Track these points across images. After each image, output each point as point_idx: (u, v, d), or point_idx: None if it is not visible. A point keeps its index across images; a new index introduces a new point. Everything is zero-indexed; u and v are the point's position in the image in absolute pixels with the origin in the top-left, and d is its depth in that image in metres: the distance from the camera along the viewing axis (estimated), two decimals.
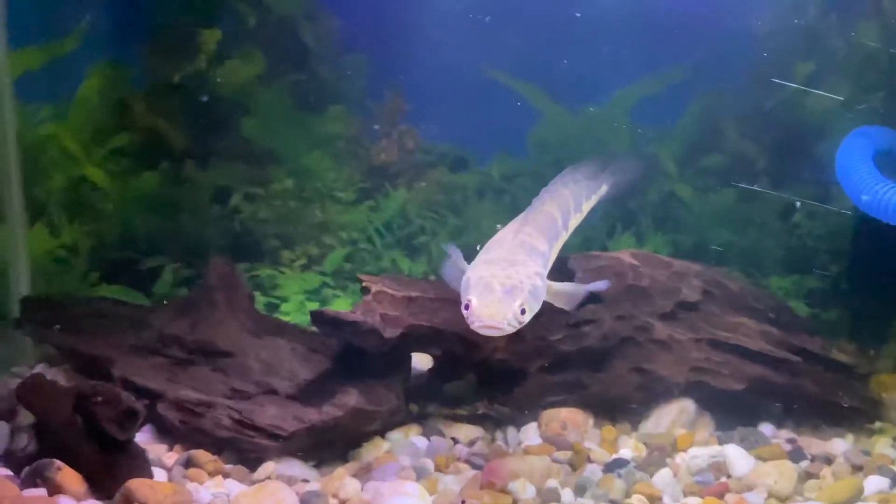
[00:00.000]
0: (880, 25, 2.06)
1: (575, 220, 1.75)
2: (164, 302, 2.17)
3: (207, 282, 1.86)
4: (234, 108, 2.33)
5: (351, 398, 1.69)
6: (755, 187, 2.25)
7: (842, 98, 2.07)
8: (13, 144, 2.03)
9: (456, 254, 1.52)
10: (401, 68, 2.40)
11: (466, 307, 1.30)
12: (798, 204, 2.25)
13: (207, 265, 1.88)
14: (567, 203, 1.72)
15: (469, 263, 1.46)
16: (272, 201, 2.39)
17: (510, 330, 1.32)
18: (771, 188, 2.27)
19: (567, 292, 1.53)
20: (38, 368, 1.83)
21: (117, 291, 2.18)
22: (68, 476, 1.44)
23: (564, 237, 1.70)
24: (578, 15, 2.17)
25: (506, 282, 1.34)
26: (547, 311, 1.82)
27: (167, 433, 1.70)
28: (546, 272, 1.48)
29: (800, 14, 2.21)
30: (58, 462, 1.44)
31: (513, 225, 1.58)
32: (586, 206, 1.80)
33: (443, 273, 1.56)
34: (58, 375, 1.71)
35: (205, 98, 2.26)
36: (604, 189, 1.88)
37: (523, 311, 1.31)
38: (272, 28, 2.32)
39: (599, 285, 1.60)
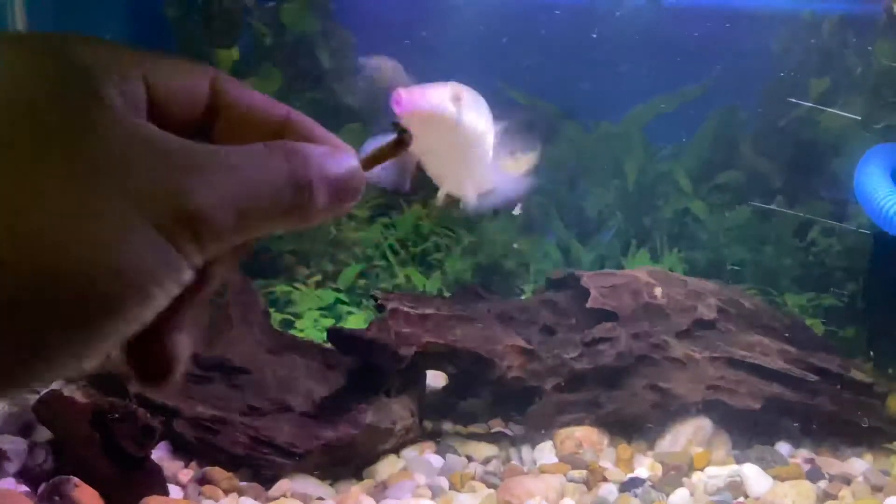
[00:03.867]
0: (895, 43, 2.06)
1: None
2: None
3: (223, 299, 1.87)
4: None
5: (366, 416, 1.70)
6: (772, 206, 2.24)
7: (858, 118, 2.06)
8: None
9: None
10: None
11: (397, 103, 0.98)
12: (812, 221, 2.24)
13: (223, 282, 1.89)
14: None
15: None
16: None
17: (444, 111, 1.01)
18: (787, 205, 2.26)
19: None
20: (56, 385, 1.85)
21: None
22: (85, 493, 1.44)
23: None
24: (594, 36, 2.18)
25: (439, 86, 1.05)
26: (562, 330, 1.83)
27: (183, 450, 1.70)
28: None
29: (815, 32, 2.21)
30: (75, 479, 1.45)
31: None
32: None
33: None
34: (75, 392, 1.72)
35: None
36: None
37: (460, 98, 1.01)
38: (289, 47, 2.34)
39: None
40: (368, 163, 0.39)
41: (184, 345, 0.36)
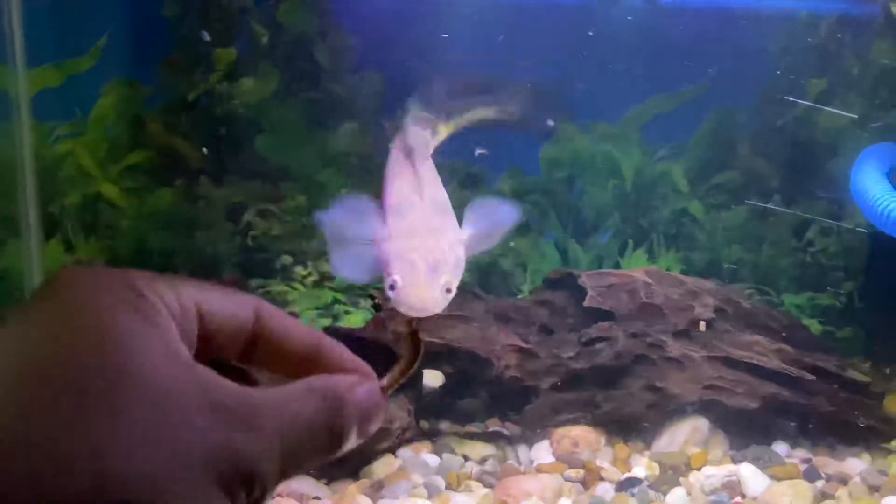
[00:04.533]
0: (893, 42, 2.06)
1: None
2: None
3: None
4: (248, 125, 2.35)
5: None
6: (769, 205, 2.24)
7: (856, 117, 2.06)
8: (30, 161, 2.05)
9: (359, 207, 1.31)
10: (415, 86, 2.41)
11: (392, 287, 1.17)
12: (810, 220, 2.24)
13: (220, 282, 1.89)
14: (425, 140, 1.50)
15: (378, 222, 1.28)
16: (285, 218, 2.40)
17: (440, 309, 1.21)
18: (784, 205, 2.26)
19: (483, 235, 1.35)
20: None
21: None
22: None
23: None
24: (591, 35, 2.18)
25: (428, 257, 1.21)
26: (560, 329, 1.82)
27: None
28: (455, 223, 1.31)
29: (813, 32, 2.21)
30: None
31: (407, 178, 1.39)
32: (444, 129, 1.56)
33: (328, 228, 1.32)
34: None
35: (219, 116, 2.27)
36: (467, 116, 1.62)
37: (449, 291, 1.20)
38: (286, 47, 2.34)
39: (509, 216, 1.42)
40: (390, 385, 0.44)
41: None
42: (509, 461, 1.78)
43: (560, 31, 2.35)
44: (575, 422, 1.81)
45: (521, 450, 1.81)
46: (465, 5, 2.34)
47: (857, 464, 1.78)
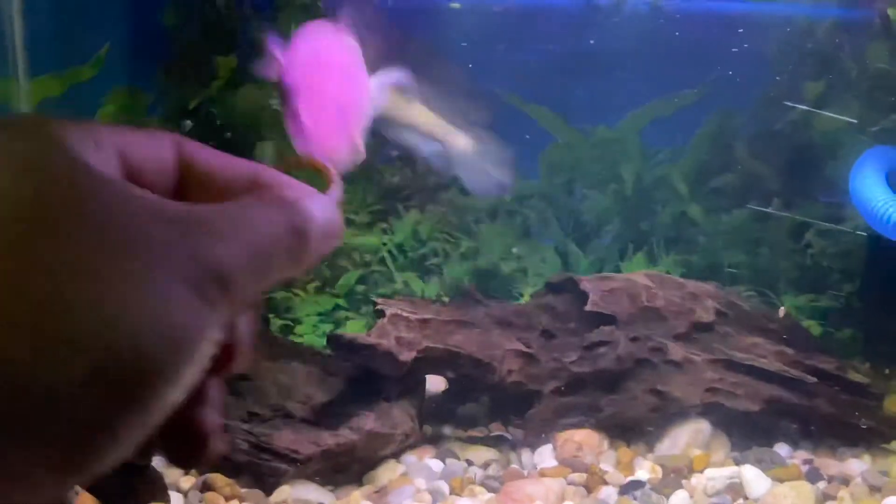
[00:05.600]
0: (890, 46, 2.07)
1: None
2: None
3: None
4: (248, 133, 2.36)
5: (366, 421, 1.70)
6: (768, 209, 2.25)
7: (854, 121, 2.08)
8: None
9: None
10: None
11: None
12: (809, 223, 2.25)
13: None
14: None
15: None
16: None
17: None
18: (783, 208, 2.27)
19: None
20: None
21: None
22: (87, 501, 1.45)
23: None
24: (591, 42, 2.19)
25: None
26: (561, 333, 1.83)
27: None
28: None
29: (810, 35, 2.22)
30: (76, 486, 1.45)
31: None
32: None
33: None
34: None
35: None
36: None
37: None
38: None
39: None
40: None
41: (214, 421, 0.37)
42: (513, 465, 1.79)
43: (559, 36, 2.36)
44: (578, 426, 1.82)
45: (525, 454, 1.82)
46: (464, 11, 2.35)
47: (858, 465, 1.79)
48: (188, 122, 2.27)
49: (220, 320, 0.33)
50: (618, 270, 2.26)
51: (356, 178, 2.48)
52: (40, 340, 0.29)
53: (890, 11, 1.99)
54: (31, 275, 0.29)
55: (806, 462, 1.80)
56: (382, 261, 2.45)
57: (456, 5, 2.38)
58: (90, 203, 0.31)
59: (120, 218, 0.32)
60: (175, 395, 0.32)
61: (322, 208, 0.39)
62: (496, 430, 1.89)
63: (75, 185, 0.32)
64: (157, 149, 0.38)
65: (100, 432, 0.30)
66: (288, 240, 0.36)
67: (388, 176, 2.53)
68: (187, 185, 0.39)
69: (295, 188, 0.40)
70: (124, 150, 0.36)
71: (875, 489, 1.69)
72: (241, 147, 2.36)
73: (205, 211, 0.34)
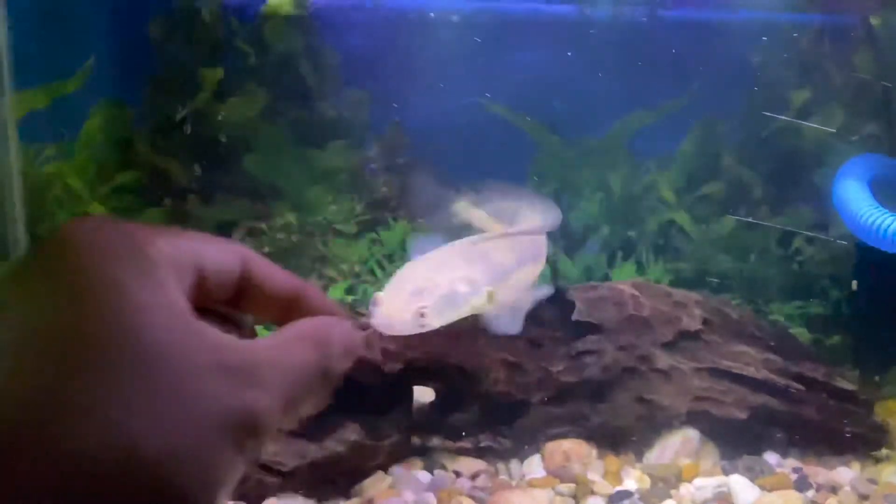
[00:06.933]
0: (874, 55, 2.08)
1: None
2: None
3: None
4: (236, 144, 2.36)
5: (353, 433, 1.69)
6: (753, 219, 2.26)
7: (833, 130, 2.08)
8: (18, 183, 2.05)
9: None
10: (401, 103, 2.43)
11: (373, 304, 1.18)
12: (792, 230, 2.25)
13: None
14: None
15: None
16: (275, 235, 2.40)
17: (410, 331, 1.20)
18: (770, 215, 2.27)
19: (509, 310, 1.35)
20: None
21: None
22: None
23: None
24: (569, 54, 2.20)
25: (420, 283, 1.22)
26: (548, 342, 1.83)
27: None
28: (497, 284, 1.32)
29: (794, 43, 2.23)
30: None
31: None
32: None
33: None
34: None
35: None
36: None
37: (423, 315, 1.19)
38: (273, 66, 2.35)
39: (543, 291, 1.47)
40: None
41: None
42: (501, 476, 1.78)
43: (546, 46, 2.37)
44: (566, 435, 1.82)
45: (513, 464, 1.81)
46: (450, 22, 2.36)
47: (847, 473, 1.79)
48: (187, 128, 2.28)
49: (248, 460, 0.36)
50: (606, 278, 2.26)
51: (345, 189, 2.48)
52: (80, 477, 0.31)
53: (873, 19, 2.00)
54: (73, 409, 0.31)
55: (795, 470, 1.80)
56: (371, 271, 2.45)
57: (454, 17, 2.39)
58: (151, 334, 0.34)
59: (177, 360, 0.34)
60: None
61: (348, 334, 0.44)
62: (484, 440, 1.88)
63: (138, 311, 0.34)
64: (228, 260, 0.42)
65: None
66: (319, 380, 0.41)
67: (377, 186, 2.53)
68: (243, 289, 0.43)
69: (328, 307, 0.45)
70: (200, 259, 0.40)
71: (864, 497, 1.69)
72: (229, 159, 2.36)
73: (249, 355, 0.37)
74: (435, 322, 1.24)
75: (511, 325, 1.41)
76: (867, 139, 2.05)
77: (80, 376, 0.32)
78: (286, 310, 0.44)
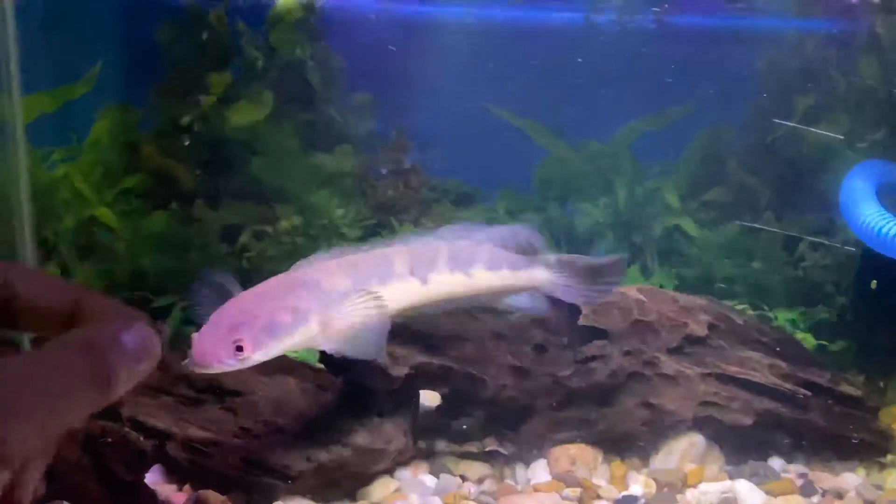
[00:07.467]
0: (879, 61, 2.08)
1: (451, 279, 1.43)
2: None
3: None
4: (242, 148, 2.36)
5: (359, 437, 1.70)
6: (758, 225, 2.26)
7: (842, 137, 2.09)
8: (26, 186, 2.06)
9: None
10: (407, 107, 2.44)
11: (191, 342, 1.14)
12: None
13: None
14: (440, 254, 1.43)
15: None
16: (280, 239, 2.41)
17: (228, 368, 1.16)
18: (775, 221, 2.28)
19: (351, 334, 1.27)
20: None
21: None
22: None
23: (416, 289, 1.41)
24: (582, 54, 2.20)
25: (237, 317, 1.18)
26: (554, 348, 1.83)
27: (176, 473, 1.70)
28: (329, 310, 1.27)
29: (800, 50, 2.24)
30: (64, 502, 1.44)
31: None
32: (481, 274, 1.47)
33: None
34: None
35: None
36: (538, 276, 1.57)
37: (240, 349, 1.15)
38: (280, 70, 2.36)
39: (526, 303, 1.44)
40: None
41: None
42: (506, 481, 1.78)
43: (552, 52, 2.37)
44: (571, 440, 1.82)
45: (519, 469, 1.82)
46: (456, 29, 2.37)
47: (852, 478, 1.79)
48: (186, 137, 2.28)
49: None
50: None
51: (350, 192, 2.49)
52: None
53: (878, 27, 2.00)
54: None
55: (800, 476, 1.80)
56: None
57: (469, 20, 2.40)
58: None
59: None
60: None
61: (135, 338, 0.40)
62: (490, 445, 1.88)
63: None
64: None
65: None
66: (86, 387, 0.37)
67: (382, 190, 2.53)
68: (7, 303, 0.40)
69: (112, 309, 0.41)
70: None
71: (869, 503, 1.69)
72: (236, 162, 2.36)
73: (2, 381, 0.34)
74: (257, 356, 1.20)
75: (365, 348, 1.33)
76: (873, 145, 2.05)
77: None
78: (64, 322, 0.41)
